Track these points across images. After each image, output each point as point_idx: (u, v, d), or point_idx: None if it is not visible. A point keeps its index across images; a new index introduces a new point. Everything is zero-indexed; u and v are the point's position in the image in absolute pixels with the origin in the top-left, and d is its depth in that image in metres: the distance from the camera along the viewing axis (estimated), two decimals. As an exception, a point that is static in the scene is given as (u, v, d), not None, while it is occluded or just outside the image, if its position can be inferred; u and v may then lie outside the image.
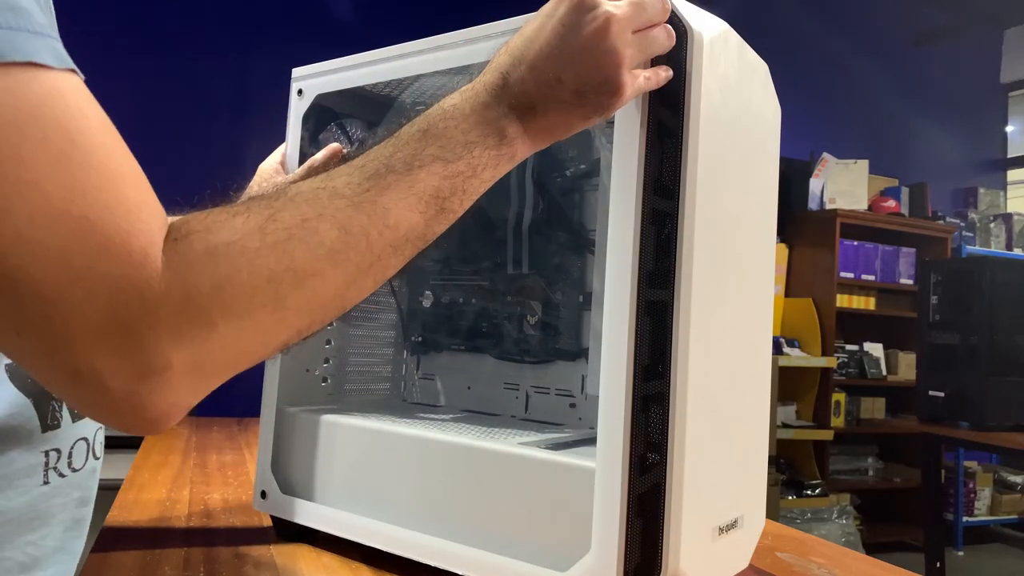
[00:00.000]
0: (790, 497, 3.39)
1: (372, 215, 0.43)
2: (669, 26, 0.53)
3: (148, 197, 0.38)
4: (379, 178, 0.44)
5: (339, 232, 0.42)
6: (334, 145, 0.76)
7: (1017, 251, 4.38)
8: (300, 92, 0.77)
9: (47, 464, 0.61)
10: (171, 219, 0.39)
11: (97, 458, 0.66)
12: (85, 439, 0.64)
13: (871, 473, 3.91)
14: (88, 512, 0.66)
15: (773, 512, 2.99)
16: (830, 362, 3.54)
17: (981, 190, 4.59)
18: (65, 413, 0.61)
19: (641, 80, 0.52)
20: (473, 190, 0.48)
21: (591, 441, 0.57)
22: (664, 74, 0.54)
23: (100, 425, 0.66)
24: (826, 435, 3.52)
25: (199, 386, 0.39)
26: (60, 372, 0.36)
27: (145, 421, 0.38)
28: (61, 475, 0.61)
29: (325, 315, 0.44)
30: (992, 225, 4.42)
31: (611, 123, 0.56)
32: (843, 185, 3.78)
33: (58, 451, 0.61)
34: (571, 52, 0.48)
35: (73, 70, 0.37)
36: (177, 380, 0.37)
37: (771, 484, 3.02)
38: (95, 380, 0.35)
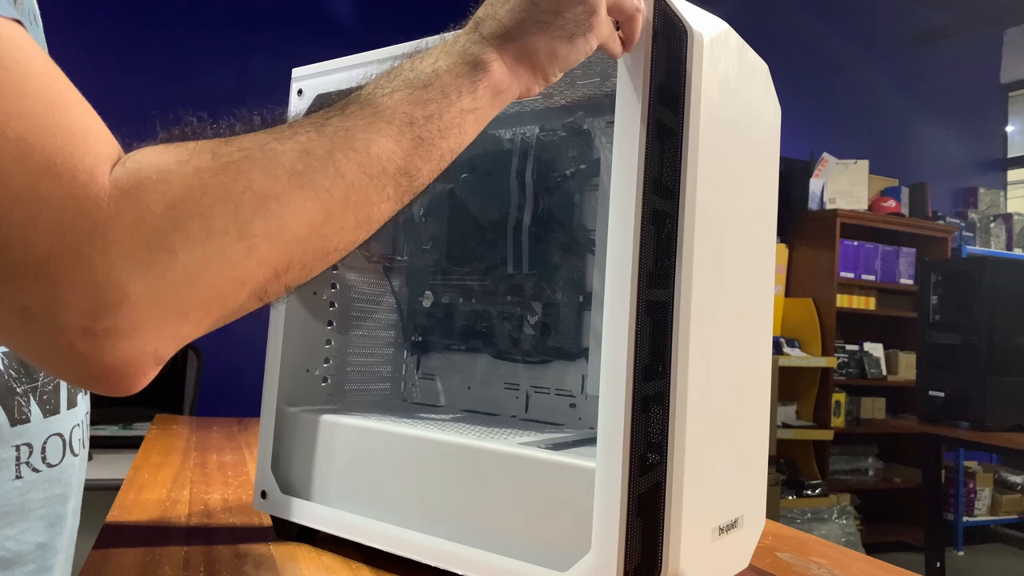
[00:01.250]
0: (790, 497, 3.39)
1: (335, 138, 0.40)
2: None
3: (95, 124, 0.36)
4: (341, 110, 0.42)
5: (300, 154, 0.39)
6: None
7: (1017, 251, 4.39)
8: (300, 92, 0.77)
9: (18, 459, 0.60)
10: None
11: (75, 455, 0.65)
12: (60, 435, 0.64)
13: (871, 473, 3.92)
14: (70, 509, 0.65)
15: (773, 512, 2.99)
16: (830, 362, 3.54)
17: (981, 190, 4.59)
18: (34, 408, 0.60)
19: None
20: (452, 120, 0.45)
21: (591, 441, 0.57)
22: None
23: (77, 421, 0.65)
24: (826, 435, 3.53)
25: (166, 327, 0.35)
26: (7, 310, 0.33)
27: (107, 368, 0.34)
28: (35, 470, 0.61)
29: (305, 253, 0.40)
30: (992, 225, 4.42)
31: (611, 123, 0.56)
32: (843, 185, 3.79)
33: (29, 446, 0.61)
34: None
35: (18, 21, 0.35)
36: (138, 316, 0.34)
37: (771, 484, 3.02)
38: (45, 317, 0.32)
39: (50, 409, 0.61)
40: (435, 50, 0.47)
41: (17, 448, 0.59)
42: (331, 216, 0.40)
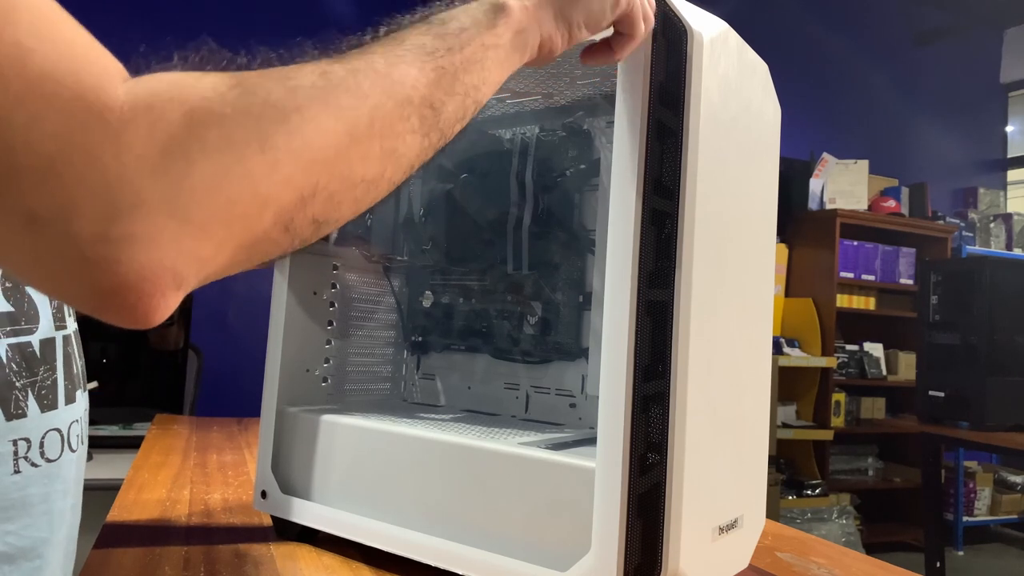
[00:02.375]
0: (790, 497, 3.39)
1: (356, 63, 0.39)
2: None
3: (100, 48, 0.33)
4: (361, 48, 0.41)
5: (320, 75, 0.37)
6: None
7: (1017, 251, 4.39)
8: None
9: (16, 453, 0.59)
10: None
11: (74, 450, 0.65)
12: (58, 430, 0.63)
13: (871, 473, 3.92)
14: (71, 504, 0.65)
15: (773, 512, 2.99)
16: (830, 362, 3.54)
17: (981, 190, 4.59)
18: (32, 403, 0.60)
19: None
20: (474, 54, 0.44)
21: (591, 441, 0.57)
22: None
23: (76, 418, 0.65)
24: (826, 435, 3.53)
25: (185, 241, 0.32)
26: (12, 218, 0.30)
27: (122, 283, 0.31)
28: (34, 464, 0.61)
29: (331, 179, 0.38)
30: (992, 225, 4.42)
31: (611, 123, 0.56)
32: (843, 185, 3.79)
33: (27, 441, 0.60)
34: None
35: None
36: (154, 223, 0.31)
37: (771, 484, 3.02)
38: (55, 222, 0.30)
39: (48, 404, 0.61)
40: (458, 7, 0.47)
41: (14, 443, 0.59)
42: (356, 140, 0.38)
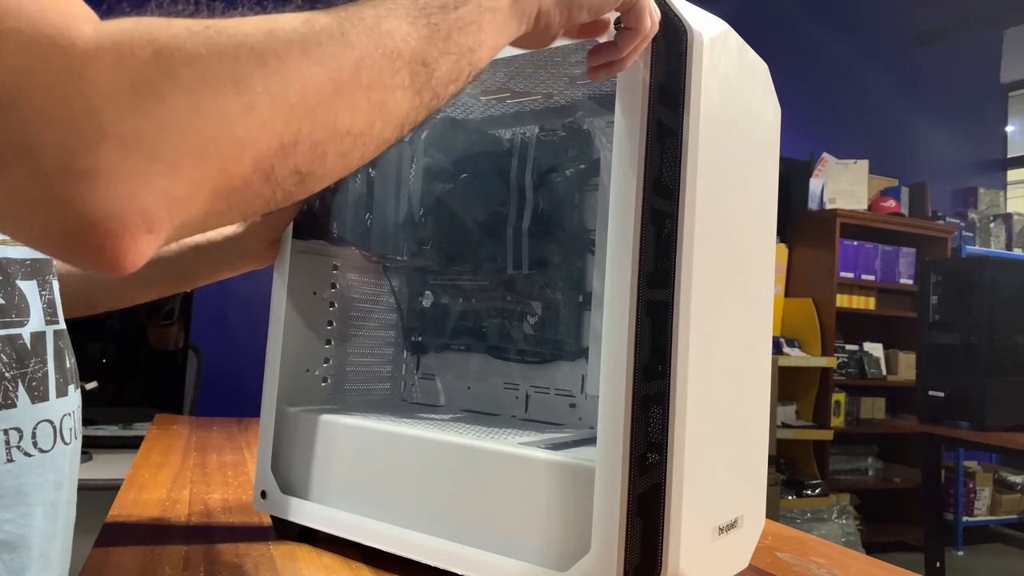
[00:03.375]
0: (790, 497, 3.39)
1: (343, 12, 0.38)
2: None
3: None
4: (350, 3, 0.40)
5: (302, 21, 0.36)
6: None
7: (1017, 251, 4.39)
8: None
9: (8, 443, 0.59)
10: None
11: (67, 443, 0.65)
12: (49, 421, 0.63)
13: (871, 473, 3.92)
14: (65, 497, 0.65)
15: (773, 512, 2.99)
16: (830, 362, 3.55)
17: (981, 190, 4.60)
18: (22, 393, 0.60)
19: None
20: (469, 14, 0.42)
21: (591, 441, 0.57)
22: None
23: (68, 411, 0.65)
24: (826, 435, 3.53)
25: (155, 180, 0.31)
26: None
27: (90, 223, 0.30)
28: (27, 454, 0.60)
29: (314, 127, 0.36)
30: (992, 225, 4.42)
31: (611, 123, 0.56)
32: (843, 185, 3.79)
33: (19, 430, 0.60)
34: None
35: None
36: (120, 157, 0.30)
37: (771, 484, 3.02)
38: (16, 159, 0.29)
39: (38, 396, 0.61)
40: None
41: (5, 432, 0.59)
42: (340, 88, 0.36)
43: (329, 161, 0.38)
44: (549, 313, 0.81)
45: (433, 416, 0.78)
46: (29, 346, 0.61)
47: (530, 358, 0.82)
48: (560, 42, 0.53)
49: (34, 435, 0.61)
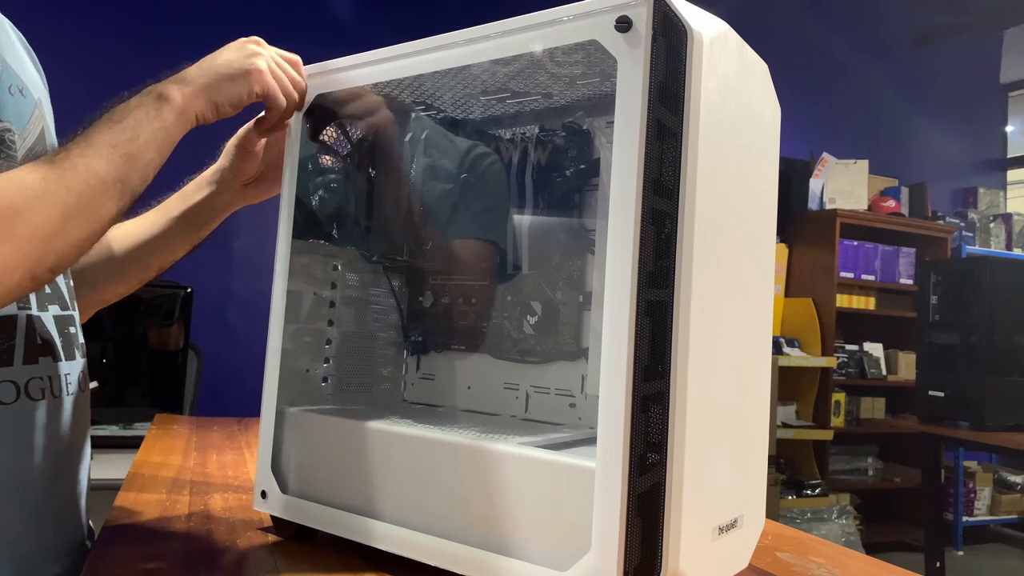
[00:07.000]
0: (790, 497, 3.39)
1: (60, 167, 0.59)
2: (297, 76, 0.74)
3: None
4: (64, 147, 0.62)
5: (40, 181, 0.58)
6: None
7: (1017, 251, 4.39)
8: (300, 92, 0.77)
9: None
10: None
11: (33, 399, 0.73)
12: (12, 382, 0.71)
13: (871, 473, 3.92)
14: (38, 446, 0.73)
15: (773, 512, 2.99)
16: (830, 362, 3.55)
17: (981, 190, 4.60)
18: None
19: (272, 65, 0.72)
20: (149, 137, 0.64)
21: (591, 441, 0.57)
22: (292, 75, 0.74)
23: (38, 374, 0.74)
24: (826, 435, 3.53)
25: None
26: None
27: None
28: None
29: (57, 244, 0.58)
30: (992, 225, 4.42)
31: (611, 123, 0.56)
32: (843, 185, 3.79)
33: None
34: (222, 50, 0.72)
35: None
36: None
37: (771, 484, 3.02)
38: None
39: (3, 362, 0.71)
40: (133, 99, 0.67)
41: None
42: (69, 218, 0.59)
43: (71, 256, 0.61)
44: (549, 313, 0.81)
45: (433, 416, 0.78)
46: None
47: (530, 358, 0.82)
48: (559, 43, 0.54)
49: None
